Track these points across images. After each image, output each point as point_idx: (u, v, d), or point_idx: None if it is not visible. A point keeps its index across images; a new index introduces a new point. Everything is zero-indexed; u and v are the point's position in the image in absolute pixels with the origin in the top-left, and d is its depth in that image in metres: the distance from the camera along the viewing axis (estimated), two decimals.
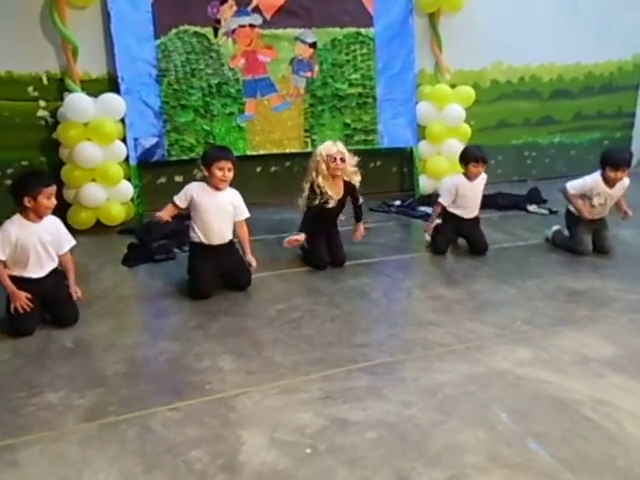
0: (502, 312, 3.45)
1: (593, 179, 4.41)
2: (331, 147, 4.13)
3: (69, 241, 3.39)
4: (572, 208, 4.54)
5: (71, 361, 2.90)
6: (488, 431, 2.30)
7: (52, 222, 3.29)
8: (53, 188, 3.16)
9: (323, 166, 4.10)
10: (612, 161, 4.31)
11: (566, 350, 2.96)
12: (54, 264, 3.33)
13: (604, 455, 2.16)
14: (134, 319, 3.64)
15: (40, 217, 3.19)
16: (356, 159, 4.21)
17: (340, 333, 3.20)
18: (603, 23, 7.20)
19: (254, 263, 3.88)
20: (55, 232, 3.29)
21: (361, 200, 4.38)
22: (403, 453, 2.17)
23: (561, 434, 2.28)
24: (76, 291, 3.41)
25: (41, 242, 3.20)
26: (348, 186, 4.24)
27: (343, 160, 4.12)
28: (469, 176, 4.46)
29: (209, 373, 2.77)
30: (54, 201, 3.18)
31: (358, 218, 4.44)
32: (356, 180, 4.24)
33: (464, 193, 4.48)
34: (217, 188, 3.70)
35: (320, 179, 4.10)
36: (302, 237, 4.16)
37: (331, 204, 4.14)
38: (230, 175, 3.68)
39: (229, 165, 3.66)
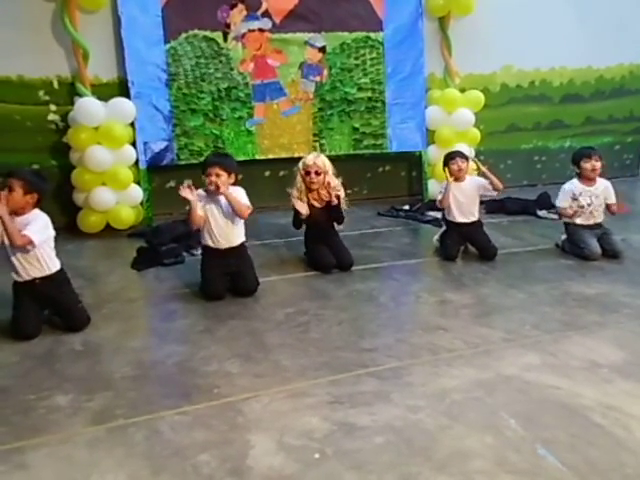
0: (510, 317, 3.44)
1: (568, 183, 4.62)
2: (309, 160, 4.20)
3: (30, 231, 3.10)
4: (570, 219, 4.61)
5: (80, 364, 2.92)
6: (496, 436, 2.29)
7: (32, 216, 3.18)
8: (10, 181, 3.07)
9: (299, 178, 4.21)
10: (582, 153, 4.53)
11: (575, 355, 2.94)
12: (51, 267, 3.28)
13: (613, 461, 2.14)
14: (142, 322, 3.66)
15: (15, 213, 3.12)
16: (339, 180, 4.22)
17: (347, 337, 3.20)
18: (614, 26, 7.17)
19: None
20: (29, 224, 3.13)
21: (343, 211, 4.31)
22: (410, 458, 2.16)
23: (570, 440, 2.26)
24: None
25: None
26: (329, 202, 4.21)
27: (318, 174, 4.16)
28: (454, 177, 4.53)
29: (217, 377, 2.77)
30: (14, 196, 3.05)
31: (339, 220, 4.33)
32: (338, 193, 4.18)
33: (454, 195, 4.52)
34: (212, 193, 3.72)
35: (294, 192, 4.21)
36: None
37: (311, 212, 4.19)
38: (219, 180, 3.65)
39: (216, 170, 3.66)
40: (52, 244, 3.30)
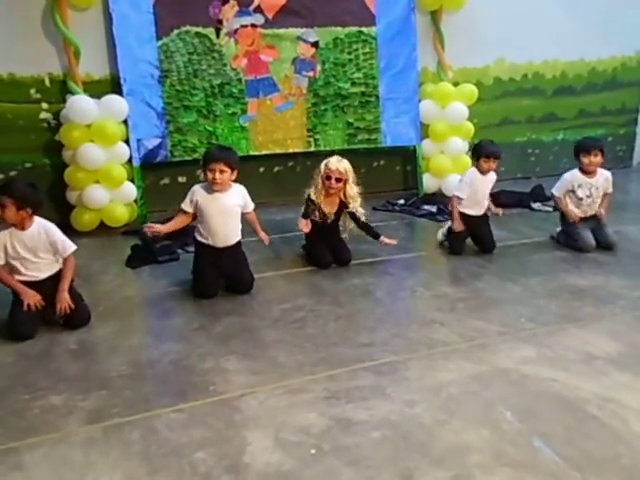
0: (506, 310, 3.45)
1: (569, 173, 4.61)
2: (332, 164, 4.10)
3: (68, 247, 3.29)
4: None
5: (75, 363, 2.91)
6: (493, 430, 2.29)
7: (40, 228, 3.24)
8: (2, 198, 3.09)
9: (319, 180, 4.15)
10: (583, 147, 4.50)
11: (570, 348, 2.95)
12: (54, 268, 3.32)
13: (609, 453, 2.15)
14: (138, 321, 3.65)
15: (15, 226, 3.19)
16: (358, 188, 4.19)
17: (344, 333, 3.20)
18: (606, 19, 7.16)
19: (267, 239, 4.01)
20: (44, 237, 3.23)
21: (363, 218, 4.31)
22: (407, 453, 2.17)
23: (566, 432, 2.27)
24: (60, 300, 3.23)
25: (28, 249, 3.20)
26: (342, 204, 4.23)
27: (339, 181, 4.09)
28: (481, 171, 4.47)
29: (213, 374, 2.77)
30: (7, 213, 3.11)
31: (375, 235, 4.37)
32: (354, 205, 4.19)
33: (477, 186, 4.49)
34: (215, 190, 3.68)
35: (312, 192, 4.16)
36: (305, 222, 4.21)
37: (328, 219, 4.21)
38: (222, 177, 3.60)
39: (220, 167, 3.58)
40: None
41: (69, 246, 3.31)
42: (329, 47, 6.05)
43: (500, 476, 2.04)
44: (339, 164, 4.10)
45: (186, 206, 3.72)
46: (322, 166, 4.15)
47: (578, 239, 4.45)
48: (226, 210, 3.72)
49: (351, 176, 4.15)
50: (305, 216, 4.23)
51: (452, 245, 4.53)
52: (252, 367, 2.83)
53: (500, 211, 4.63)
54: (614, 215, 4.80)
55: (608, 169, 4.65)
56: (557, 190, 4.61)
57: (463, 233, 4.52)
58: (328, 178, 4.09)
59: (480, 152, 4.46)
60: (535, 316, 3.35)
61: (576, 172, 4.56)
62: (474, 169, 4.53)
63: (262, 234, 4.01)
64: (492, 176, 4.55)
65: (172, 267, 4.30)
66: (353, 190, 4.17)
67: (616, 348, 2.94)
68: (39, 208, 3.26)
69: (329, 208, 4.21)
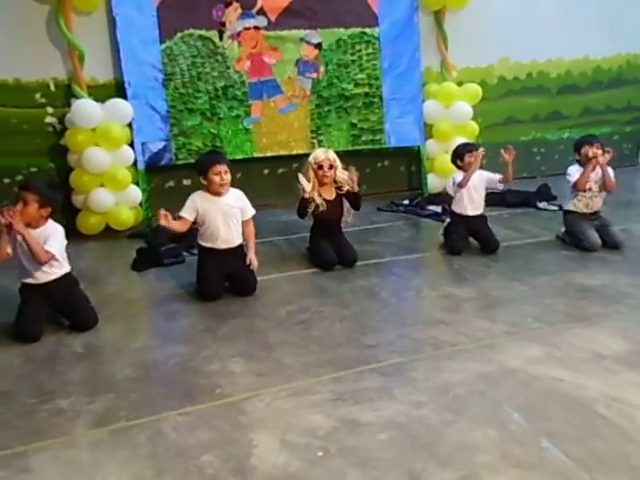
0: (513, 310, 3.43)
1: (573, 167, 4.56)
2: (319, 155, 4.21)
3: (49, 252, 3.16)
4: (572, 205, 4.56)
5: (82, 366, 2.91)
6: (500, 430, 2.28)
7: (49, 229, 3.24)
8: (25, 195, 3.11)
9: (311, 174, 4.18)
10: (586, 140, 4.51)
11: (578, 347, 2.93)
12: (62, 269, 3.33)
13: (618, 453, 2.14)
14: (144, 323, 3.65)
15: (29, 225, 3.17)
16: (346, 172, 4.22)
17: (350, 334, 3.19)
18: (611, 16, 7.13)
19: (255, 263, 3.87)
20: (48, 234, 3.20)
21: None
22: (414, 454, 2.16)
23: (574, 432, 2.26)
24: None
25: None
26: (340, 190, 4.27)
27: (331, 167, 4.18)
28: (467, 169, 4.50)
29: (219, 376, 2.77)
30: (29, 210, 3.10)
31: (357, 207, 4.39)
32: (345, 188, 4.25)
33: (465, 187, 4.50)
34: (219, 194, 3.72)
35: (307, 191, 4.16)
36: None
37: (321, 208, 4.20)
38: (228, 177, 3.69)
39: (224, 168, 3.67)
40: (64, 252, 3.34)
41: (54, 248, 3.18)
42: (332, 48, 6.05)
43: (508, 476, 2.03)
44: (327, 154, 4.22)
45: (186, 214, 3.73)
46: (311, 161, 4.21)
47: (583, 239, 4.42)
48: (227, 211, 3.75)
49: (339, 163, 4.24)
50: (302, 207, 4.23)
51: (451, 245, 4.52)
52: (258, 369, 2.83)
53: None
54: (621, 213, 4.78)
55: (614, 168, 4.62)
56: (572, 175, 4.49)
57: (461, 233, 4.52)
58: (320, 168, 4.16)
59: (460, 152, 4.56)
60: (542, 315, 3.33)
61: (577, 167, 4.54)
62: (458, 172, 4.58)
63: (252, 256, 3.88)
64: (479, 176, 4.55)
65: (178, 270, 4.30)
66: (344, 174, 4.23)
67: (624, 347, 2.92)
68: (57, 210, 3.30)
69: (327, 195, 4.24)
